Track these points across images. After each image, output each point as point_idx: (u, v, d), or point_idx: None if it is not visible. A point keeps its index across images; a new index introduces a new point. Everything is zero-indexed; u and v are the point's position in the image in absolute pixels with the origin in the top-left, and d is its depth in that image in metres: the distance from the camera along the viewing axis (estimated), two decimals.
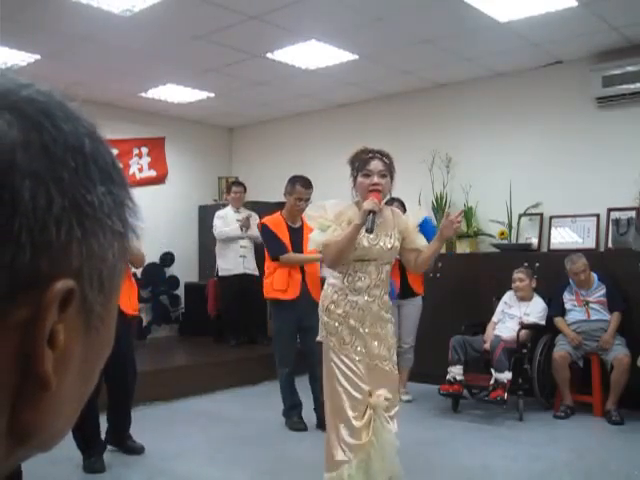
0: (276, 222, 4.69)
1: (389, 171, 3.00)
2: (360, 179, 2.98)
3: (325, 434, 3.05)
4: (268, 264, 4.71)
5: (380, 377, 2.99)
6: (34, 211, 0.36)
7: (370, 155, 2.99)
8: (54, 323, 0.38)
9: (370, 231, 2.85)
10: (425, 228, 4.58)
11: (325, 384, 3.03)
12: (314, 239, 3.01)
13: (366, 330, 2.97)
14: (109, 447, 4.03)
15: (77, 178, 0.39)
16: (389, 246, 3.01)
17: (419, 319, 5.43)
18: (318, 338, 3.09)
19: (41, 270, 0.37)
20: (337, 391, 2.92)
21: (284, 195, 4.73)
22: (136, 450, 4.06)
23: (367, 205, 2.85)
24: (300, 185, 4.56)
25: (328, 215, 2.99)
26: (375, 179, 2.94)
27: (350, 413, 2.89)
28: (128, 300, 3.88)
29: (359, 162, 3.00)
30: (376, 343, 2.99)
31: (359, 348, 2.95)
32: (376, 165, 2.96)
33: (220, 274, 6.86)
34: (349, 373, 2.92)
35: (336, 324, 2.97)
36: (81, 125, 0.41)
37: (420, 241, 3.15)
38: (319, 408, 4.71)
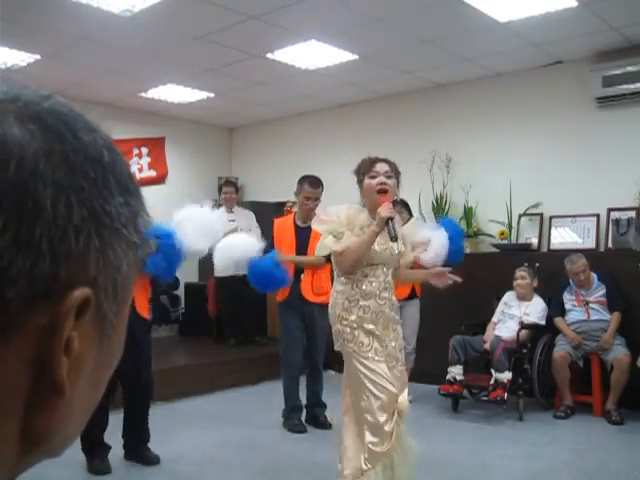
0: (283, 223, 4.73)
1: (394, 173, 3.03)
2: (367, 181, 3.00)
3: (343, 439, 3.03)
4: None
5: (398, 378, 3.00)
6: (55, 220, 0.37)
7: (374, 158, 3.05)
8: (70, 331, 0.38)
9: (395, 239, 2.88)
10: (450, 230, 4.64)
11: (350, 390, 3.01)
12: (327, 245, 2.97)
13: (381, 332, 2.96)
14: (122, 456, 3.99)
15: (96, 188, 0.40)
16: (397, 251, 3.05)
17: (418, 322, 5.42)
18: (336, 347, 3.08)
19: (60, 278, 0.37)
20: (365, 397, 2.89)
21: (295, 195, 4.74)
22: (151, 460, 3.93)
23: (384, 212, 2.84)
24: (308, 184, 4.57)
25: (341, 220, 2.97)
26: (382, 179, 2.97)
27: (380, 418, 2.86)
28: (144, 302, 3.87)
29: (364, 167, 3.03)
30: (393, 344, 3.00)
31: (379, 349, 2.94)
32: (381, 166, 3.01)
33: (216, 274, 6.77)
34: (374, 377, 2.90)
35: (351, 330, 2.95)
36: (99, 137, 0.42)
37: (409, 256, 3.23)
38: (316, 408, 4.72)
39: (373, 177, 2.99)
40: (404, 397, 2.96)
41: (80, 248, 0.38)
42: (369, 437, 2.87)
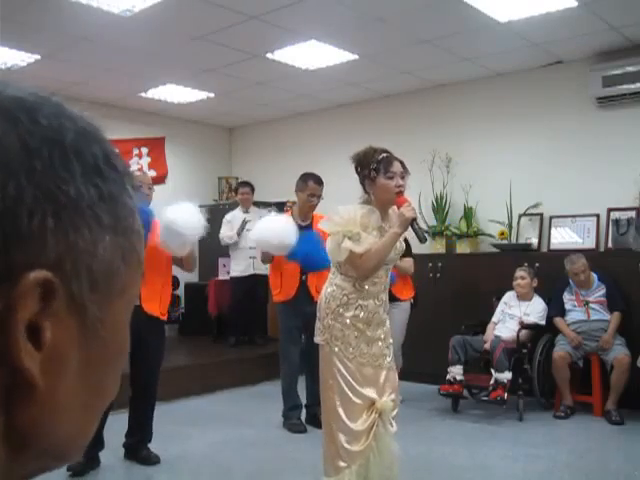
0: None
1: (406, 172, 2.98)
2: (383, 181, 2.90)
3: (323, 436, 3.03)
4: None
5: (384, 376, 2.98)
6: (3, 200, 0.36)
7: (388, 155, 2.95)
8: (39, 319, 0.37)
9: (425, 240, 2.86)
10: None
11: (324, 388, 2.97)
12: (346, 248, 2.83)
13: (371, 333, 2.94)
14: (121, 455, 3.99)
15: (52, 169, 0.39)
16: (399, 249, 3.00)
17: (406, 323, 5.22)
18: (318, 340, 3.01)
19: (12, 261, 0.36)
20: (338, 396, 2.88)
21: (295, 192, 4.73)
22: (150, 460, 3.91)
23: (408, 213, 2.80)
24: (312, 181, 4.61)
25: (355, 220, 2.88)
26: (399, 181, 2.90)
27: (353, 420, 2.85)
28: (157, 303, 3.81)
29: (379, 162, 2.91)
30: (379, 343, 2.98)
31: (365, 350, 2.92)
32: (397, 166, 2.93)
33: (232, 275, 6.89)
34: (351, 380, 2.87)
35: (342, 328, 2.91)
36: (72, 122, 0.42)
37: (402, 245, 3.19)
38: (316, 407, 4.72)
39: (390, 178, 2.89)
40: (386, 398, 2.92)
41: (34, 229, 0.37)
42: (342, 437, 2.85)
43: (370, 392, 2.90)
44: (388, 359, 3.01)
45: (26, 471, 0.41)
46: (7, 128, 0.38)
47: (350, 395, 2.86)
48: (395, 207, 2.98)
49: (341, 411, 2.86)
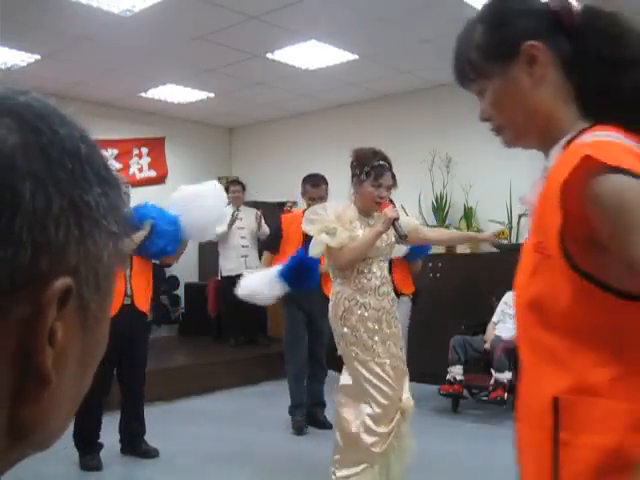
0: (293, 219, 4.68)
1: (394, 185, 3.11)
2: (369, 188, 3.01)
3: (337, 437, 3.04)
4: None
5: (401, 378, 3.01)
6: (34, 211, 0.37)
7: (381, 163, 3.03)
8: (53, 320, 0.38)
9: (405, 237, 2.96)
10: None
11: (352, 392, 3.02)
12: (322, 242, 2.99)
13: (384, 331, 2.97)
14: (119, 452, 4.04)
15: (74, 180, 0.40)
16: (386, 242, 3.07)
17: (407, 322, 5.21)
18: (338, 351, 3.08)
19: (41, 268, 0.38)
20: (367, 403, 2.91)
21: (301, 195, 4.76)
22: (150, 453, 3.98)
23: (390, 213, 2.93)
24: (309, 186, 4.62)
25: (329, 216, 3.00)
26: (384, 192, 3.02)
27: (380, 424, 2.89)
28: (145, 299, 3.88)
29: (371, 169, 3.00)
30: (393, 343, 3.00)
31: (381, 350, 2.95)
32: (387, 179, 3.04)
33: (223, 274, 6.76)
34: (377, 382, 2.91)
35: (354, 332, 2.96)
36: (75, 130, 0.42)
37: (411, 221, 3.34)
38: (316, 407, 4.72)
39: (375, 187, 3.00)
40: (408, 396, 2.98)
41: (60, 238, 0.38)
42: (367, 438, 2.88)
43: (394, 391, 2.94)
44: (402, 362, 3.05)
45: (16, 460, 0.42)
46: (31, 139, 0.39)
47: (378, 397, 2.90)
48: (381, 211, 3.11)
49: (373, 414, 2.89)
